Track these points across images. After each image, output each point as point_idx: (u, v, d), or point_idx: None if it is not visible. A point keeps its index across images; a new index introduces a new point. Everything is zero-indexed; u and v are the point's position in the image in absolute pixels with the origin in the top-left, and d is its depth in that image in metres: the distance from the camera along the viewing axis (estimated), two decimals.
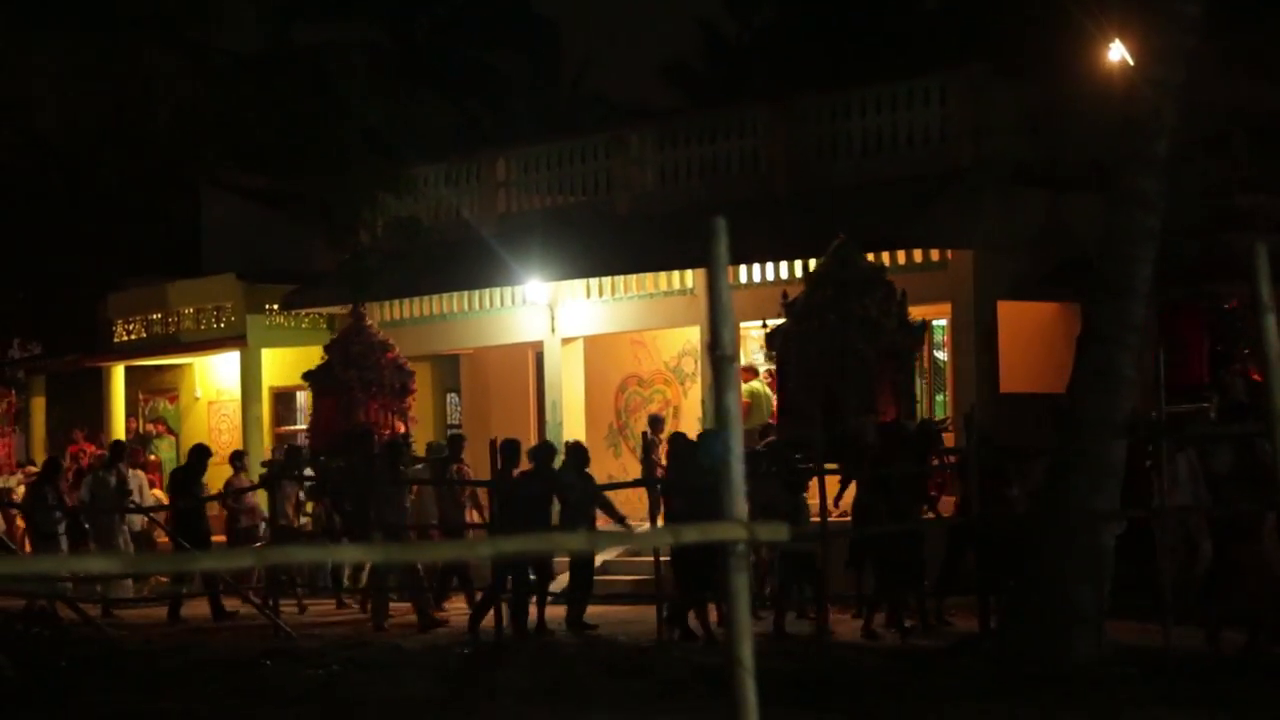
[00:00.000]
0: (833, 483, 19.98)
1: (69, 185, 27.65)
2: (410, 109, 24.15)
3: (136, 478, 25.56)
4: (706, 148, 26.31)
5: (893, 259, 23.47)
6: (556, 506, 20.33)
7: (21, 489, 29.09)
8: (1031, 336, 23.42)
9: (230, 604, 22.66)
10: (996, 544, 17.58)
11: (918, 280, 22.89)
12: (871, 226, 22.95)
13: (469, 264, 27.51)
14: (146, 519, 25.50)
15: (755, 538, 4.95)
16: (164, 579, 24.16)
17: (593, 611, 20.40)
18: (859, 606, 19.56)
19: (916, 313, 22.49)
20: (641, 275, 26.32)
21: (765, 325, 22.48)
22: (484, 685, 16.00)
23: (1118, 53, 21.54)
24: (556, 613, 20.17)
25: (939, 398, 24.44)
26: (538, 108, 40.73)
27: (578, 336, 27.51)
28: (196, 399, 33.27)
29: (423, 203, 26.92)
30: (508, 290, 27.87)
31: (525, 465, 20.78)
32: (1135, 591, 16.65)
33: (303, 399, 31.68)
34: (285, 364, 31.37)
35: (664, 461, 25.47)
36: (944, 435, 21.16)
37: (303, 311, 30.57)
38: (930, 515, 19.76)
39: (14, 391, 34.31)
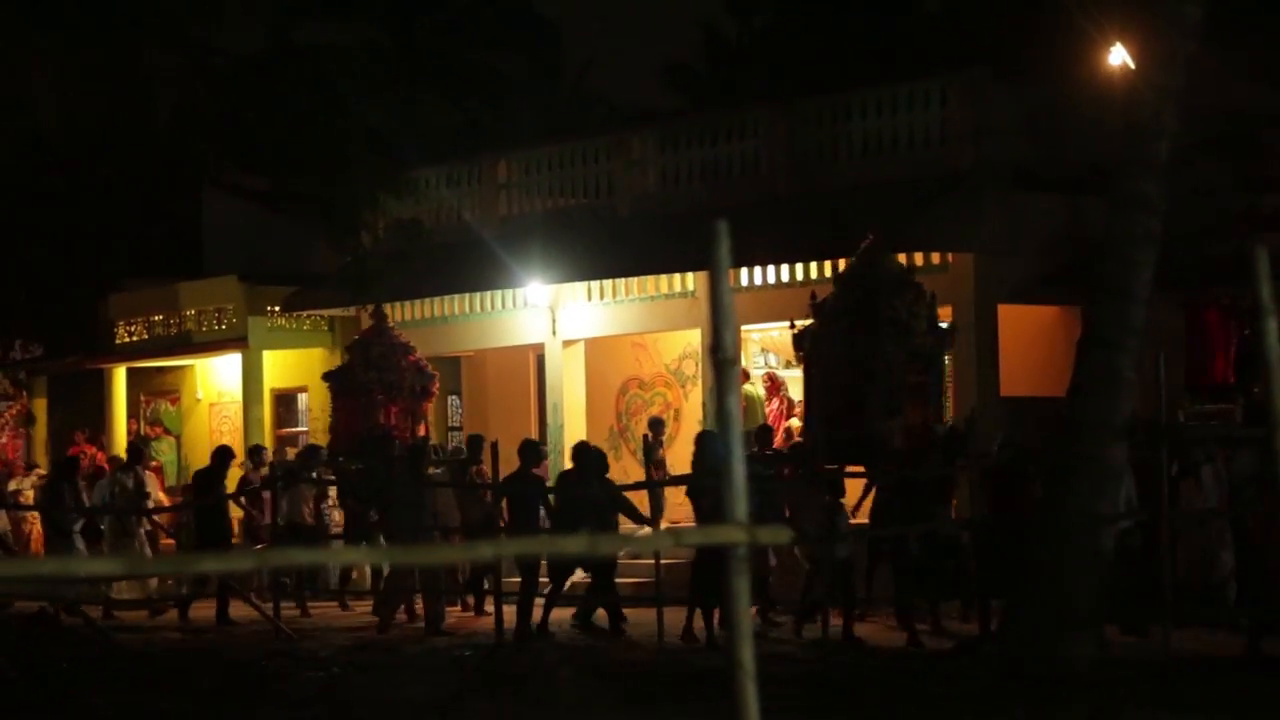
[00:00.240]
0: (855, 486, 20.03)
1: (70, 186, 27.70)
2: (411, 110, 24.15)
3: (150, 480, 25.58)
4: (708, 150, 26.31)
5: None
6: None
7: (31, 492, 29.06)
8: (1032, 340, 23.42)
9: (234, 610, 22.64)
10: (1005, 546, 17.52)
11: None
12: (872, 229, 22.93)
13: (470, 266, 27.51)
14: (148, 521, 25.48)
15: (756, 540, 4.95)
16: (169, 580, 24.17)
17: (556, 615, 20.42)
18: (861, 610, 19.51)
19: None
20: (643, 278, 26.31)
21: (793, 326, 22.21)
22: (484, 687, 16.01)
23: (1118, 56, 21.55)
24: (562, 615, 20.20)
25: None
26: (539, 109, 40.73)
27: (579, 339, 27.51)
28: (198, 401, 33.26)
29: (424, 204, 26.91)
30: (509, 292, 27.87)
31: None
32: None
33: (304, 401, 31.69)
34: (287, 366, 31.38)
35: (665, 463, 25.61)
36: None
37: (304, 313, 30.56)
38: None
39: (25, 394, 34.26)
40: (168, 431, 32.77)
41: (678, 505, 25.71)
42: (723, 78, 40.47)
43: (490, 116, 38.99)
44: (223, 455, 23.80)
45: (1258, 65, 23.45)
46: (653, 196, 26.84)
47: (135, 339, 32.93)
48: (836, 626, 18.64)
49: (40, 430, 35.00)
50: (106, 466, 27.52)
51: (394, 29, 41.31)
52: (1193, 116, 16.30)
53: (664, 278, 26.09)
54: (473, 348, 29.14)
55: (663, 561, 19.86)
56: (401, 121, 23.66)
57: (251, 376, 30.89)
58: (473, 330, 28.74)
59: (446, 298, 28.66)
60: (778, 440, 24.26)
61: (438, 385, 27.66)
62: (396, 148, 24.25)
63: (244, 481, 24.57)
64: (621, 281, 26.64)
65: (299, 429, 31.53)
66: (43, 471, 30.14)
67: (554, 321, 27.27)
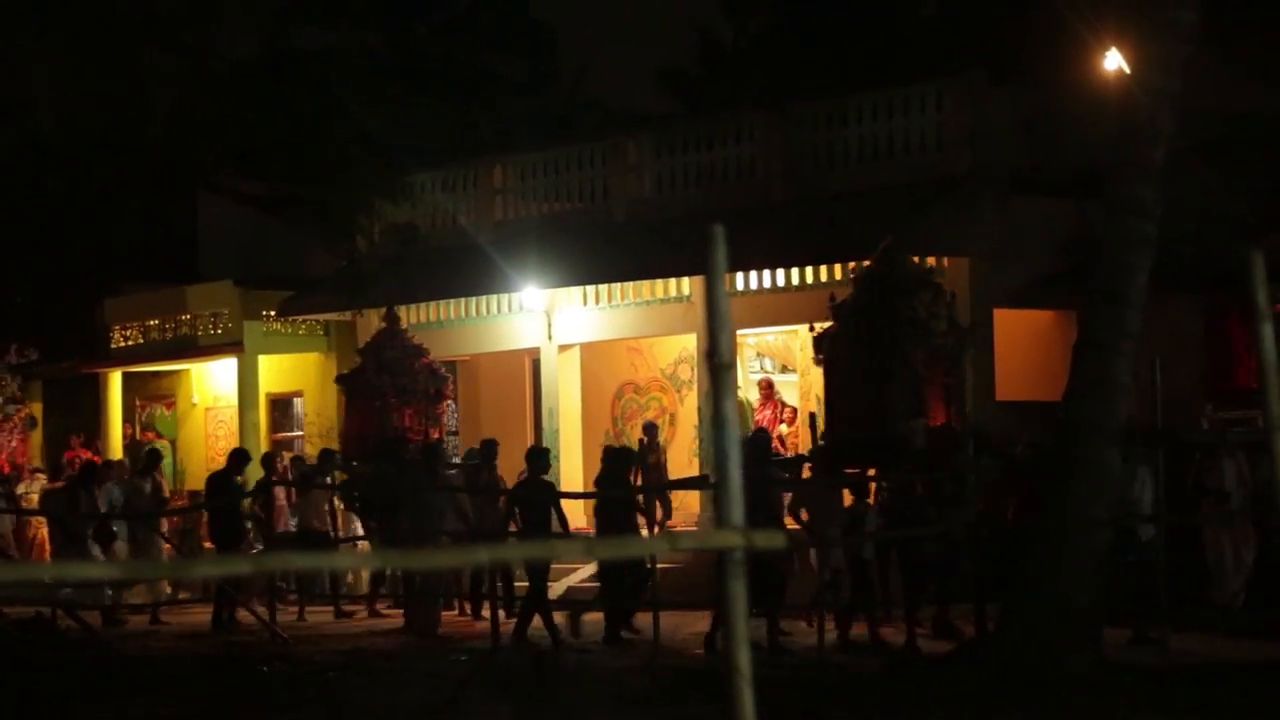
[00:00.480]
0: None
1: (67, 189, 27.64)
2: (407, 115, 24.14)
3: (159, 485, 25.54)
4: (703, 154, 26.31)
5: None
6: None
7: (35, 496, 29.02)
8: (1028, 344, 23.42)
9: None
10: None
11: None
12: (868, 233, 22.94)
13: (466, 271, 27.50)
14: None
15: (752, 545, 4.95)
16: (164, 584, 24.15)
17: (590, 618, 20.39)
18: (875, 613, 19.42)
19: None
20: (638, 282, 26.32)
21: (813, 328, 22.09)
22: (481, 691, 16.00)
23: (1114, 60, 21.58)
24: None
25: None
26: (535, 114, 40.73)
27: (574, 343, 27.51)
28: (194, 405, 33.25)
29: (420, 209, 26.88)
30: (504, 297, 27.86)
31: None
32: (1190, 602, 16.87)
33: (300, 405, 31.68)
34: (282, 370, 31.37)
35: (664, 466, 25.66)
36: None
37: (300, 318, 30.55)
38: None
39: (29, 399, 34.18)
40: (161, 436, 32.71)
41: (676, 509, 25.77)
42: (718, 82, 40.45)
43: (486, 121, 38.99)
44: (239, 458, 23.73)
45: (1258, 67, 23.43)
46: (648, 201, 26.83)
47: (131, 343, 32.92)
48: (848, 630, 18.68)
49: (36, 435, 34.97)
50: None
51: (390, 33, 41.33)
52: (1199, 118, 16.29)
53: (659, 282, 26.10)
54: (468, 352, 29.13)
55: (659, 565, 19.84)
56: (397, 126, 23.66)
57: (247, 381, 30.88)
58: (468, 335, 28.73)
59: (442, 302, 28.65)
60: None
61: (451, 388, 27.51)
62: (392, 152, 24.23)
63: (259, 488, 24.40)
64: (617, 286, 26.64)
65: (294, 433, 31.52)
66: (43, 477, 30.12)
67: (549, 326, 27.27)
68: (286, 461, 26.62)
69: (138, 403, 33.83)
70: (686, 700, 14.94)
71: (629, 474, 21.22)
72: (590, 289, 26.91)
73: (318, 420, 31.06)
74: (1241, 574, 18.64)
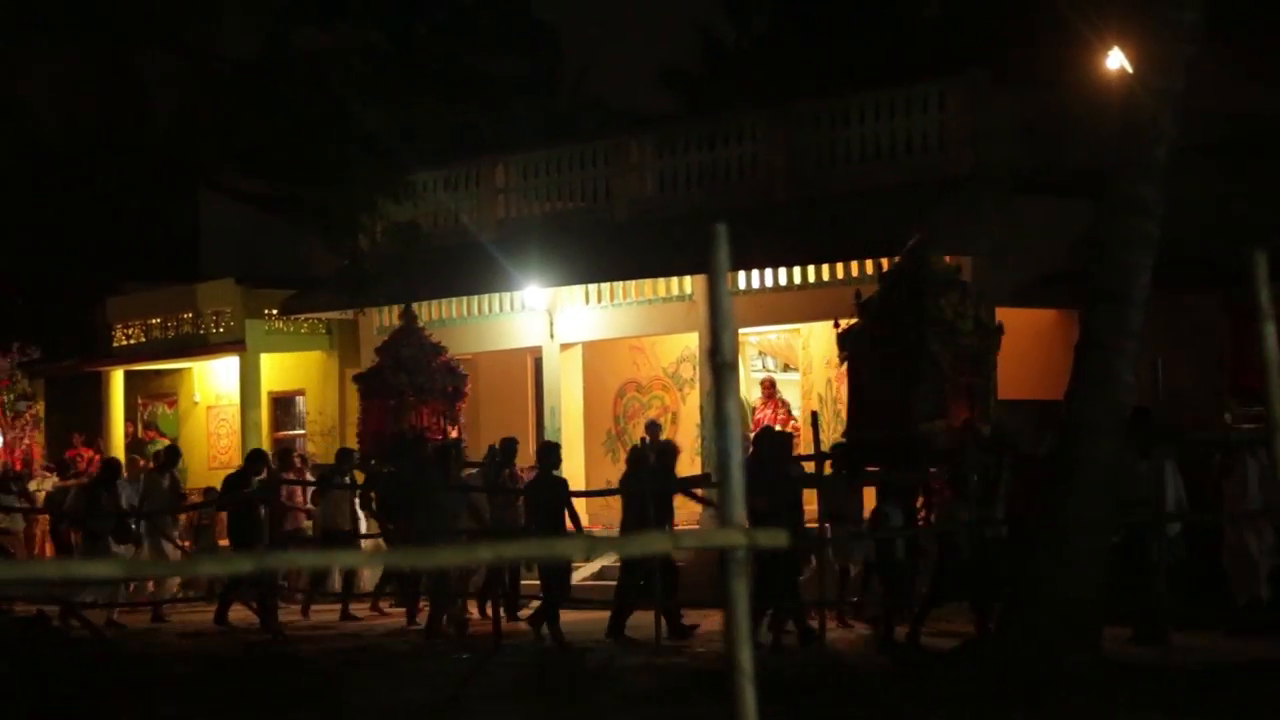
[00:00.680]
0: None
1: (68, 189, 27.68)
2: (409, 114, 24.14)
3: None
4: (705, 154, 26.31)
5: (891, 265, 23.43)
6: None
7: (41, 494, 29.02)
8: (1030, 343, 23.41)
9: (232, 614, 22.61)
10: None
11: None
12: (870, 233, 22.95)
13: (468, 269, 27.50)
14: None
15: (754, 543, 4.94)
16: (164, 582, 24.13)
17: (589, 617, 20.38)
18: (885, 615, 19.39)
19: None
20: (640, 281, 26.32)
21: (838, 325, 21.82)
22: (482, 689, 16.00)
23: (1117, 60, 21.55)
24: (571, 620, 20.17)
25: None
26: (537, 113, 40.73)
27: (576, 342, 27.52)
28: (195, 404, 33.27)
29: (422, 208, 26.90)
30: (506, 296, 27.87)
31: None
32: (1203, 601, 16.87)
33: (302, 404, 31.70)
34: (284, 369, 31.38)
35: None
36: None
37: (301, 317, 30.56)
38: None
39: (40, 397, 34.15)
40: (162, 435, 32.71)
41: (677, 508, 25.75)
42: (720, 82, 40.45)
43: (488, 120, 38.97)
44: (257, 458, 23.72)
45: (1259, 68, 23.42)
46: (650, 200, 26.85)
47: (133, 342, 32.93)
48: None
49: (38, 433, 34.99)
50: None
51: (392, 33, 41.30)
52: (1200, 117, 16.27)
53: (661, 281, 26.10)
54: (470, 351, 29.12)
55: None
56: (399, 125, 23.65)
57: (249, 380, 30.89)
58: (470, 334, 28.73)
59: (444, 301, 28.65)
60: None
61: (470, 386, 27.38)
62: (394, 151, 24.24)
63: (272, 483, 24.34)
64: (619, 285, 26.65)
65: (296, 432, 31.53)
66: (54, 475, 30.12)
67: (551, 325, 27.28)
68: (299, 462, 26.35)
69: (139, 401, 33.84)
70: (689, 699, 14.95)
71: (673, 469, 21.29)
72: (592, 288, 26.92)
73: (319, 419, 31.08)
74: (1262, 574, 18.65)
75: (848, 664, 17.38)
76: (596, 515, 25.32)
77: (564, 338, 27.36)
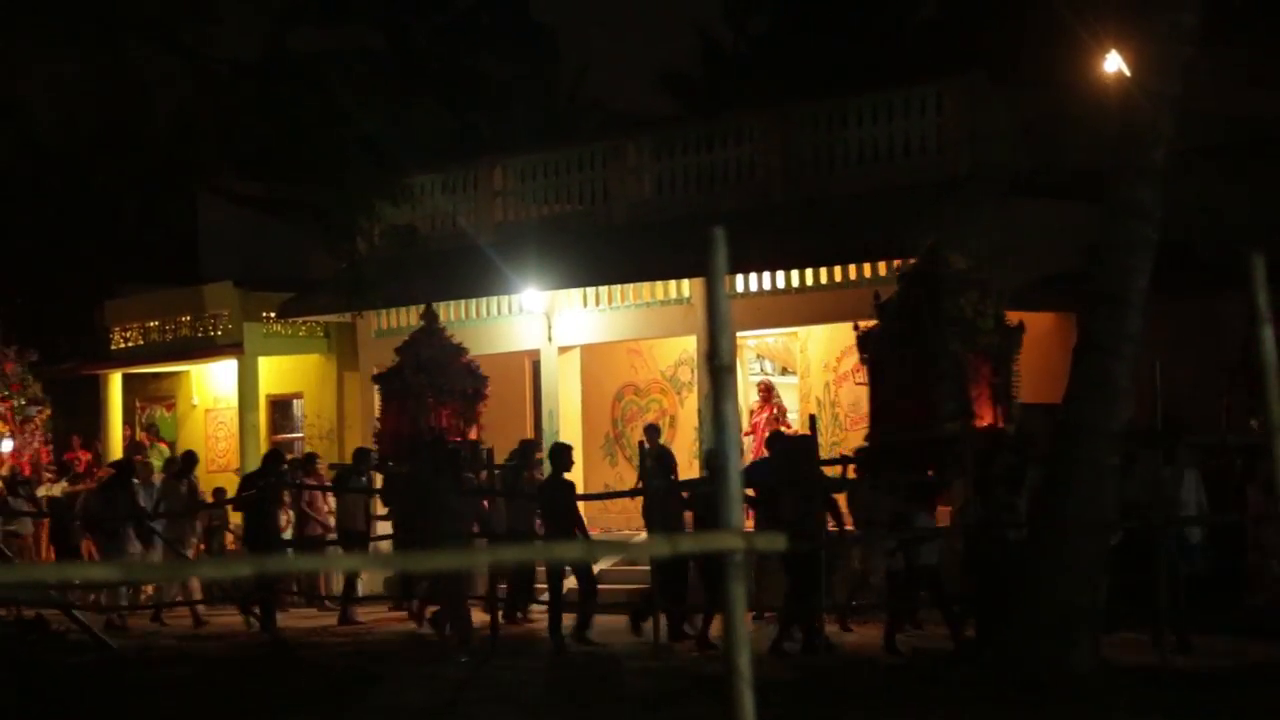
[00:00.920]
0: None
1: (66, 191, 27.65)
2: (407, 116, 24.14)
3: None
4: (703, 157, 26.31)
5: (889, 268, 23.45)
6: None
7: (46, 499, 29.00)
8: (1028, 346, 23.40)
9: (225, 618, 22.61)
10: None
11: None
12: (868, 235, 22.95)
13: (465, 272, 27.49)
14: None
15: (753, 547, 4.95)
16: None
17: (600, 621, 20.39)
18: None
19: None
20: (638, 284, 26.31)
21: (857, 327, 21.69)
22: (483, 692, 16.01)
23: (1114, 62, 21.57)
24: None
25: None
26: (535, 115, 40.75)
27: (574, 345, 27.51)
28: (194, 406, 33.26)
29: (419, 211, 26.90)
30: (504, 299, 27.86)
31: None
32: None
33: (300, 406, 31.69)
34: (282, 372, 31.38)
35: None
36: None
37: (300, 319, 30.56)
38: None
39: (48, 401, 34.10)
40: (160, 438, 32.69)
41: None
42: (718, 84, 40.49)
43: (486, 122, 39.02)
44: (273, 459, 23.68)
45: (1258, 71, 23.44)
46: (648, 203, 26.84)
47: (131, 345, 32.93)
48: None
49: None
50: (98, 471, 27.54)
51: (390, 34, 41.34)
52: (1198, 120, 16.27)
53: (659, 284, 26.10)
54: (468, 354, 29.09)
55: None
56: (397, 127, 23.65)
57: (247, 382, 30.89)
58: (468, 336, 28.66)
59: (442, 304, 28.61)
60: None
61: (490, 387, 27.24)
62: (392, 154, 24.23)
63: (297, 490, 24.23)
64: (617, 288, 26.64)
65: (295, 435, 31.53)
66: (51, 477, 30.09)
67: (549, 328, 27.27)
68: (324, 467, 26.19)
69: (138, 404, 33.84)
70: (687, 701, 14.95)
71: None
72: (590, 291, 26.90)
73: (318, 422, 31.08)
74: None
75: (848, 665, 17.38)
76: (595, 519, 25.30)
77: (562, 341, 27.35)
